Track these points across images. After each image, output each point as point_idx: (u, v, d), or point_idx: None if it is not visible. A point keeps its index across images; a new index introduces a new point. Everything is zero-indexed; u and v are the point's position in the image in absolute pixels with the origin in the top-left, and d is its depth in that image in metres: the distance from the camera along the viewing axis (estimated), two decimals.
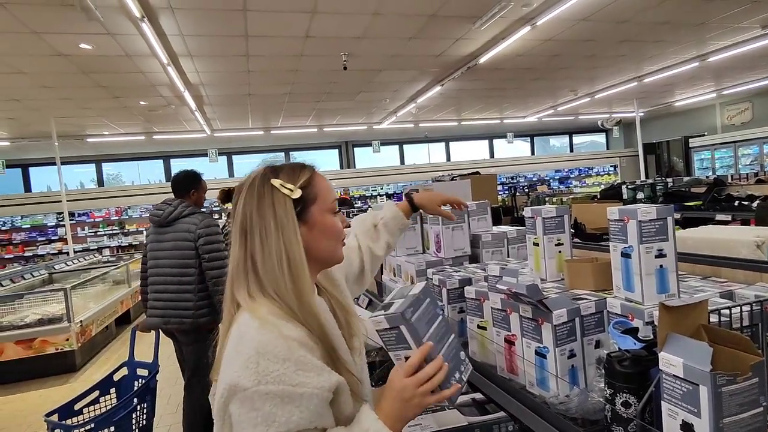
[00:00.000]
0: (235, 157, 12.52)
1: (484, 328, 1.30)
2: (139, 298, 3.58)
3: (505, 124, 12.63)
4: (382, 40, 5.34)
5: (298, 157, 13.11)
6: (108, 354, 5.30)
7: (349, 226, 0.97)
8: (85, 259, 7.72)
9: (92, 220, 10.81)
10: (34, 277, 5.93)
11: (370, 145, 12.41)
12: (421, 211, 1.36)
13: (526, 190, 10.11)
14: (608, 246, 1.49)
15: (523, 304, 1.06)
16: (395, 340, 0.80)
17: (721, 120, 12.08)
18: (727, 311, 0.80)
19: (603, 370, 0.82)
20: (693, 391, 0.66)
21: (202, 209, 2.92)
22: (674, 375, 0.68)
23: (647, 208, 0.95)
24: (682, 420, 0.68)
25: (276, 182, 0.86)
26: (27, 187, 11.40)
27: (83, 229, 10.70)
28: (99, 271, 6.21)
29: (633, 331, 0.88)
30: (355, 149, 13.34)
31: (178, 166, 11.53)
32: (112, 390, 2.65)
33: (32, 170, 11.44)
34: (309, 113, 9.29)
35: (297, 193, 0.86)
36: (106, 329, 5.54)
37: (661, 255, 0.96)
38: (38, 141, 9.00)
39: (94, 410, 2.45)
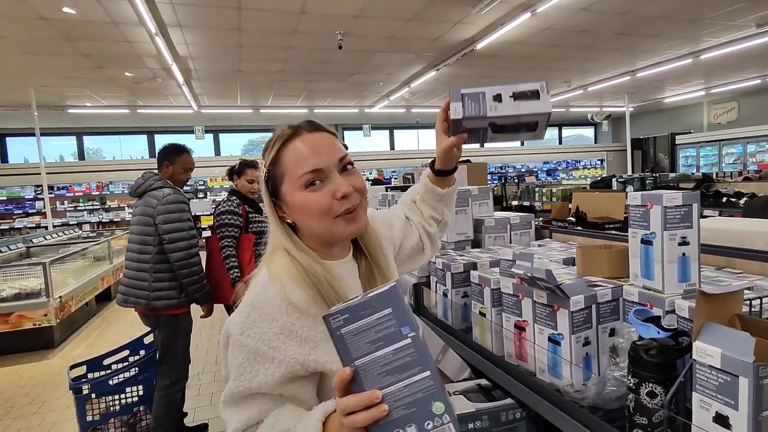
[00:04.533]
0: (221, 135, 12.24)
1: (484, 315, 1.27)
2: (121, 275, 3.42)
3: None
4: (379, 20, 5.21)
5: None
6: (88, 331, 5.18)
7: (361, 191, 0.80)
8: (65, 234, 7.49)
9: (72, 194, 10.50)
10: (10, 250, 5.72)
11: (360, 128, 12.26)
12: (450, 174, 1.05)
13: (516, 181, 10.15)
14: (612, 235, 1.47)
15: (538, 290, 1.03)
16: None
17: (708, 118, 12.26)
18: (757, 302, 0.78)
19: (628, 359, 0.79)
20: (731, 382, 0.63)
21: (182, 186, 2.67)
22: (710, 365, 0.66)
23: (673, 193, 0.92)
24: (716, 412, 0.65)
25: (260, 158, 0.84)
26: (3, 158, 10.99)
27: (62, 203, 10.39)
28: (79, 247, 6.03)
29: (655, 320, 0.86)
30: (345, 132, 13.17)
31: (162, 141, 11.10)
32: (142, 351, 2.72)
33: (9, 140, 11.02)
34: (300, 93, 9.10)
35: (263, 173, 0.81)
36: (86, 306, 5.39)
37: (684, 243, 0.93)
38: (16, 110, 8.65)
39: (122, 368, 2.60)
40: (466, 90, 0.88)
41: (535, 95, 0.82)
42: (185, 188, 2.82)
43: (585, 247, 1.15)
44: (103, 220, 10.55)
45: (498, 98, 0.85)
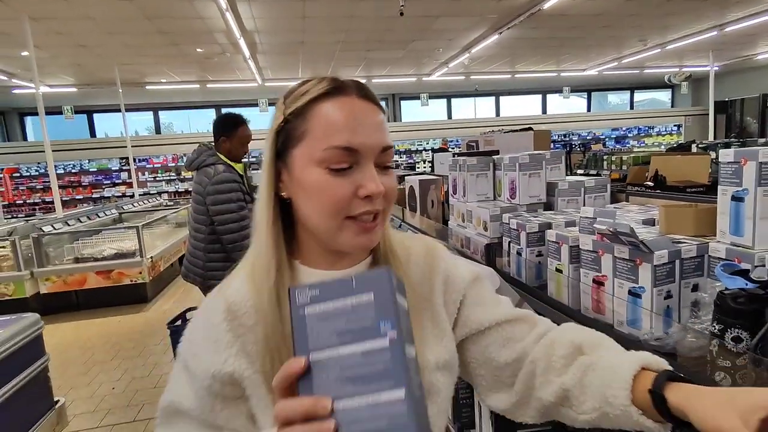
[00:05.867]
0: None
1: (561, 271, 1.32)
2: None
3: (562, 78, 11.95)
4: None
5: None
6: (174, 289, 5.74)
7: (389, 199, 0.61)
8: (149, 202, 8.23)
9: (151, 166, 11.40)
10: (106, 215, 6.41)
11: (417, 98, 12.13)
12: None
13: (581, 149, 9.69)
14: (696, 197, 1.45)
15: (619, 245, 1.06)
16: None
17: None
18: None
19: (713, 308, 0.83)
20: None
21: (236, 161, 2.51)
22: None
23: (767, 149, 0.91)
24: None
25: (281, 100, 0.62)
26: (92, 133, 12.07)
27: (143, 174, 11.32)
28: (163, 213, 6.62)
29: (743, 273, 0.88)
30: (402, 102, 13.10)
31: None
32: None
33: (95, 116, 12.06)
34: (359, 63, 9.14)
35: (277, 122, 0.61)
36: (171, 266, 5.97)
37: None
38: (101, 87, 9.41)
39: None
40: None
41: None
42: (251, 159, 2.70)
43: (669, 206, 1.16)
44: (179, 190, 11.39)
45: None
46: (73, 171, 11.08)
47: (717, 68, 10.85)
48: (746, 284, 0.85)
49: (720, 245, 1.00)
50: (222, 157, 2.46)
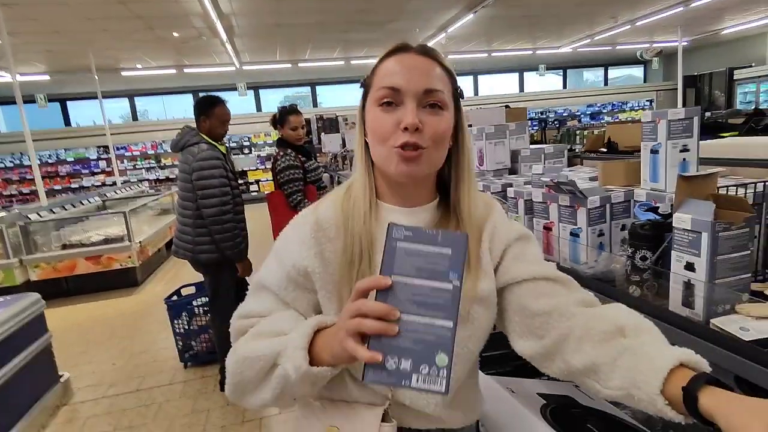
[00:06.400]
0: (261, 92, 12.56)
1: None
2: None
3: (537, 56, 12.15)
4: None
5: (323, 91, 13.11)
6: (163, 273, 5.85)
7: (435, 137, 0.71)
8: (131, 189, 8.22)
9: (130, 153, 11.28)
10: (90, 203, 6.43)
11: None
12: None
13: (557, 125, 9.96)
14: (636, 157, 1.67)
15: (562, 195, 1.27)
16: None
17: None
18: (734, 189, 0.99)
19: (628, 236, 1.04)
20: (696, 238, 0.87)
21: (217, 140, 2.63)
22: (684, 228, 0.90)
23: (677, 109, 1.12)
24: (686, 261, 0.90)
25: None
26: (66, 122, 11.84)
27: (122, 163, 11.20)
28: (148, 199, 6.66)
29: (654, 209, 1.09)
30: None
31: None
32: None
33: (69, 104, 11.81)
34: (336, 45, 9.17)
35: (365, 77, 0.77)
36: (158, 251, 6.06)
37: (685, 150, 1.14)
38: (75, 74, 9.25)
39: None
40: None
41: None
42: (232, 144, 2.86)
43: (606, 162, 1.37)
44: (160, 177, 11.33)
45: None
46: (50, 161, 10.90)
47: (686, 43, 11.18)
48: (655, 217, 1.06)
49: (641, 190, 1.22)
50: (204, 137, 2.57)
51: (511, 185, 1.64)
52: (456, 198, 0.77)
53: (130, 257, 5.05)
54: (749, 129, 4.56)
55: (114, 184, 9.22)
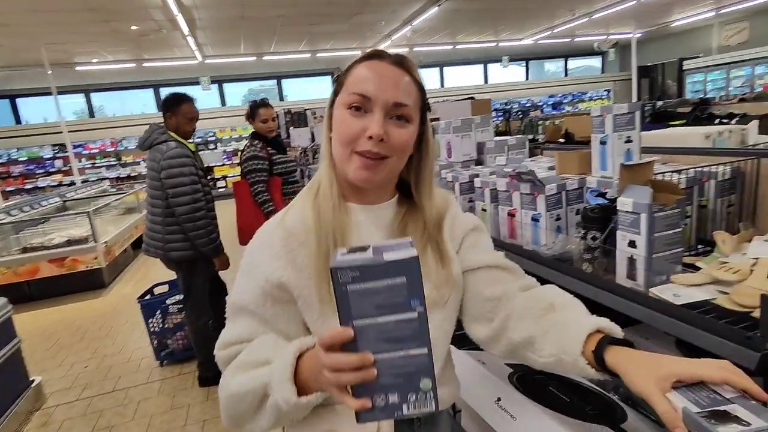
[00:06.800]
0: (226, 86, 12.29)
1: (485, 210, 1.65)
2: None
3: (501, 48, 12.43)
4: None
5: (289, 84, 12.97)
6: (131, 273, 5.73)
7: (396, 148, 0.74)
8: (92, 188, 7.94)
9: (88, 152, 10.85)
10: (50, 204, 6.19)
11: None
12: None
13: (520, 116, 10.26)
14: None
15: (523, 183, 1.38)
16: None
17: (718, 41, 11.99)
18: (669, 175, 1.13)
19: (581, 219, 1.16)
20: (637, 218, 1.00)
21: (189, 136, 2.62)
22: (626, 210, 1.02)
23: (621, 105, 1.25)
24: (629, 239, 1.03)
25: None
26: (17, 119, 11.25)
27: (80, 161, 10.76)
28: (111, 199, 6.47)
29: (603, 195, 1.22)
30: None
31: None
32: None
33: (19, 101, 11.22)
34: (302, 38, 9.09)
35: (339, 73, 0.79)
36: (125, 251, 5.92)
37: (629, 141, 1.27)
38: (26, 69, 8.80)
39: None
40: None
41: None
42: (197, 140, 2.87)
43: (562, 152, 1.49)
44: (121, 175, 10.95)
45: None
46: (1, 161, 10.35)
47: (639, 35, 11.70)
48: (604, 202, 1.19)
49: (593, 178, 1.34)
50: (173, 135, 2.56)
51: (477, 176, 1.75)
52: (419, 197, 0.81)
53: (96, 258, 4.93)
54: (695, 117, 4.89)
55: (72, 183, 8.87)
